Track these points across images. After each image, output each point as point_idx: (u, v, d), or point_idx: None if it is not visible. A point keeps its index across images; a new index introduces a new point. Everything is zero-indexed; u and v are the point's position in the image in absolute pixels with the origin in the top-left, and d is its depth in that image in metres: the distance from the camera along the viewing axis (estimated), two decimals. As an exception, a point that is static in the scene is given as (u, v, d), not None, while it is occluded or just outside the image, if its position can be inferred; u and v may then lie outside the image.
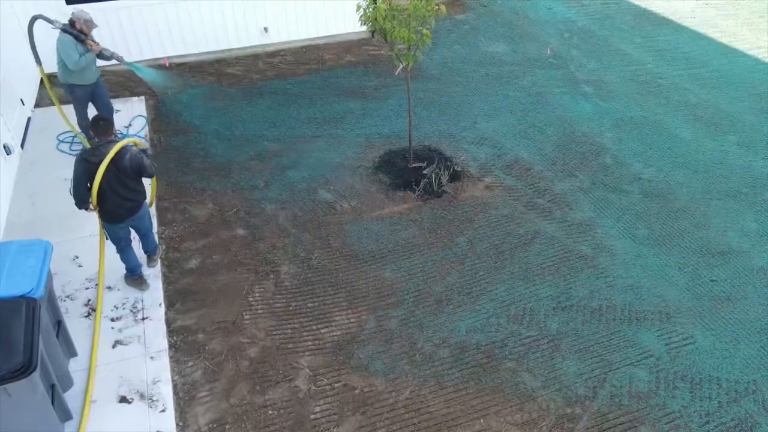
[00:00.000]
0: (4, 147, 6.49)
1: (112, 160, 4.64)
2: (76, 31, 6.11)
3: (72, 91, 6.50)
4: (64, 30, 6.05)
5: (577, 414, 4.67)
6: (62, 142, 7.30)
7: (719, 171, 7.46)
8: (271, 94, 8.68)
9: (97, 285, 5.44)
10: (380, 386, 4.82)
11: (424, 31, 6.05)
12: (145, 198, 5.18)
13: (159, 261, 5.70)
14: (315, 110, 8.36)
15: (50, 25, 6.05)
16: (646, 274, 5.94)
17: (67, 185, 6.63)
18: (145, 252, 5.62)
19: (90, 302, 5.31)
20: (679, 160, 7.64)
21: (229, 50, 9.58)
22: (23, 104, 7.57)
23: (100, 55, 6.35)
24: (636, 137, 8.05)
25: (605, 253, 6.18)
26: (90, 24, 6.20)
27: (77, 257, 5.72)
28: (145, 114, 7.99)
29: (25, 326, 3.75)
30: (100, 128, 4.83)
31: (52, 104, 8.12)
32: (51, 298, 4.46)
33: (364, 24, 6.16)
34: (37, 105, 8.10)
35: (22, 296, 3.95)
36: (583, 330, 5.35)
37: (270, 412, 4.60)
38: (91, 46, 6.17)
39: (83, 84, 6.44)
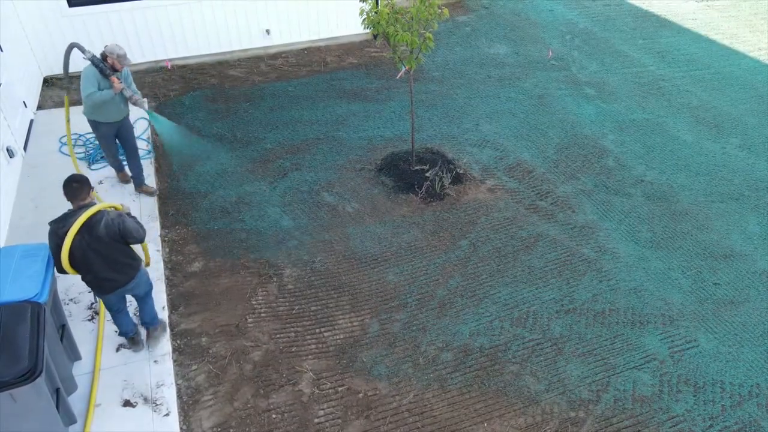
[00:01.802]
0: (7, 150, 6.48)
1: (85, 228, 4.08)
2: (106, 66, 5.70)
3: (96, 127, 6.07)
4: (92, 62, 5.67)
5: (581, 418, 4.68)
6: (65, 144, 7.30)
7: (721, 173, 7.47)
8: (273, 96, 8.68)
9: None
10: (384, 390, 4.83)
11: (427, 34, 6.05)
12: (136, 271, 4.50)
13: (161, 339, 5.01)
14: (317, 112, 8.36)
15: (82, 55, 5.69)
16: (649, 278, 5.94)
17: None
18: (143, 324, 4.96)
19: (93, 306, 5.30)
20: (681, 162, 7.65)
21: (231, 52, 9.59)
22: (26, 107, 7.57)
23: (121, 95, 5.89)
24: (638, 139, 8.06)
25: (608, 256, 6.19)
26: (123, 60, 5.72)
27: (80, 260, 5.72)
28: (147, 117, 7.98)
29: (30, 331, 3.75)
30: (74, 191, 4.21)
31: (55, 107, 8.16)
32: (55, 302, 4.46)
33: (367, 28, 6.16)
34: (40, 107, 8.11)
35: (27, 301, 3.95)
36: (587, 333, 5.36)
37: (274, 416, 4.60)
38: (114, 82, 5.71)
39: (107, 122, 6.01)
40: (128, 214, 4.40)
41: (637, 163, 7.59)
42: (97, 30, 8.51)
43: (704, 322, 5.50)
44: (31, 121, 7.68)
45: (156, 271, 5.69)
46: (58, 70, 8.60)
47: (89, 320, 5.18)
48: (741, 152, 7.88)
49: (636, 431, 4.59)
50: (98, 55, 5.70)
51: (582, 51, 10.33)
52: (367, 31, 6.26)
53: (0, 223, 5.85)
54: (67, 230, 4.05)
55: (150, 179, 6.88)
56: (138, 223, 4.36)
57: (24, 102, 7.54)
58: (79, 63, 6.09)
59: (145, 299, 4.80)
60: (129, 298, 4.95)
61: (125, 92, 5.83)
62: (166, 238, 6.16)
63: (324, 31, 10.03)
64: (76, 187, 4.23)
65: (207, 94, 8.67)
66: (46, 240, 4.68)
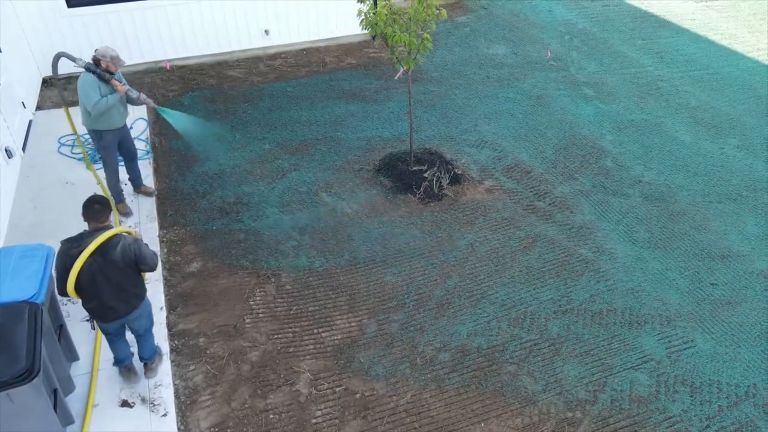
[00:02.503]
0: (6, 150, 6.49)
1: (99, 250, 3.92)
2: (101, 70, 5.48)
3: (100, 137, 5.80)
4: (87, 69, 5.46)
5: (578, 418, 4.69)
6: (63, 145, 7.31)
7: (719, 174, 7.48)
8: (272, 97, 8.70)
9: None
10: (381, 390, 4.84)
11: (425, 35, 6.06)
12: (142, 299, 4.33)
13: (158, 370, 4.79)
14: (316, 113, 8.37)
15: (73, 63, 5.49)
16: (647, 278, 5.95)
17: (69, 189, 6.61)
18: (141, 359, 4.73)
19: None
20: (680, 162, 7.66)
21: (230, 53, 9.60)
22: (24, 107, 7.58)
23: (127, 98, 5.75)
24: (636, 140, 8.07)
25: (606, 256, 6.20)
26: (117, 62, 5.51)
27: (79, 261, 5.73)
28: (146, 117, 8.01)
29: (27, 331, 3.76)
30: (95, 212, 4.02)
31: (54, 107, 8.17)
32: (53, 302, 4.48)
33: (366, 29, 6.17)
34: (39, 108, 8.12)
35: (24, 301, 3.96)
36: (584, 334, 5.36)
37: (271, 416, 4.61)
38: (116, 86, 5.53)
39: (111, 129, 5.78)
40: (139, 239, 4.23)
41: (636, 164, 7.60)
42: (96, 30, 8.53)
43: (701, 323, 5.50)
44: (30, 122, 7.69)
45: (154, 271, 5.69)
46: (50, 70, 8.63)
47: (87, 320, 5.18)
48: (739, 153, 7.89)
49: (633, 431, 4.60)
50: (90, 61, 5.51)
51: (581, 51, 10.34)
52: (366, 31, 6.27)
53: (-1, 223, 5.87)
54: (81, 251, 3.88)
55: (149, 179, 6.89)
56: (151, 250, 4.23)
57: (23, 102, 7.55)
58: (68, 66, 6.01)
59: (145, 336, 4.57)
60: None
61: (131, 93, 5.66)
62: (165, 239, 6.17)
63: (323, 32, 10.04)
64: (98, 209, 4.05)
65: (206, 95, 8.68)
66: (44, 241, 4.70)
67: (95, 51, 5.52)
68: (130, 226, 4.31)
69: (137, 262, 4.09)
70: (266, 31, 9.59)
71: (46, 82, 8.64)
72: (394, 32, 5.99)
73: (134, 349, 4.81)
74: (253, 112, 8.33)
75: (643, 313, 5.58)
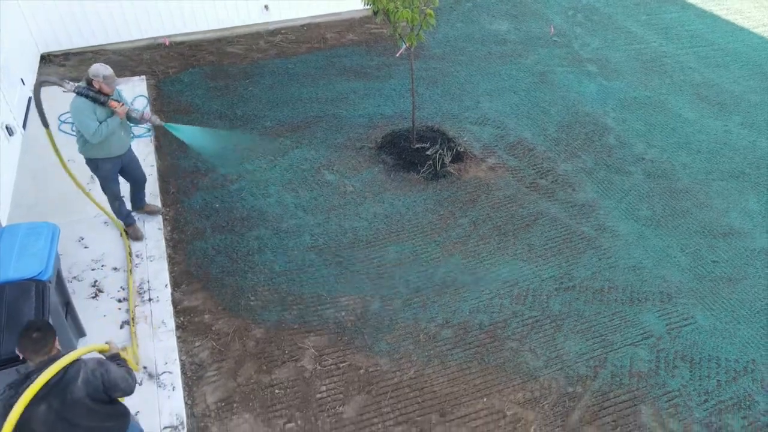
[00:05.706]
0: (6, 128, 6.46)
1: (52, 391, 2.87)
2: (95, 92, 4.81)
3: (96, 167, 5.21)
4: (79, 93, 4.77)
5: (579, 393, 4.76)
6: (64, 122, 7.27)
7: (722, 151, 7.46)
8: (272, 74, 8.62)
9: (103, 266, 5.49)
10: (385, 366, 4.90)
11: (428, 11, 5.99)
12: (128, 423, 3.31)
13: None
14: (317, 90, 8.31)
15: (61, 89, 4.77)
16: (648, 255, 5.98)
17: (71, 167, 6.53)
18: None
19: (97, 283, 5.35)
20: (683, 140, 7.63)
21: (230, 28, 9.48)
22: (24, 84, 7.51)
23: (129, 117, 5.11)
24: (640, 117, 8.03)
25: (607, 234, 6.22)
26: (111, 82, 4.80)
27: (82, 238, 5.75)
28: (146, 94, 7.94)
29: (35, 308, 3.80)
30: (33, 343, 2.94)
31: (53, 85, 8.08)
32: (59, 279, 4.50)
33: (367, 5, 6.08)
34: (38, 85, 8.04)
35: (31, 278, 3.99)
36: (585, 310, 5.41)
37: (277, 391, 4.68)
38: (115, 108, 4.87)
39: (110, 157, 5.17)
40: (116, 355, 3.34)
41: (638, 141, 7.57)
42: (93, 6, 8.40)
43: (702, 300, 5.55)
44: (30, 99, 7.63)
45: (158, 249, 5.73)
46: (55, 46, 8.55)
47: (92, 298, 5.23)
48: (743, 130, 7.85)
49: (632, 406, 4.67)
50: (81, 83, 4.86)
51: (584, 27, 10.22)
52: (367, 7, 6.18)
53: (1, 201, 5.86)
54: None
55: (150, 157, 6.86)
56: (125, 366, 3.26)
57: (22, 79, 7.48)
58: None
59: None
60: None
61: (133, 114, 5.01)
62: (167, 216, 6.18)
63: (323, 7, 9.90)
64: (37, 338, 2.97)
65: (206, 71, 8.60)
66: (47, 218, 4.71)
67: (88, 71, 4.83)
68: (109, 342, 3.42)
69: (107, 391, 3.07)
70: (266, 7, 9.45)
71: (45, 59, 8.55)
72: (397, 8, 5.91)
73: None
74: (253, 89, 8.26)
75: (644, 290, 5.62)
